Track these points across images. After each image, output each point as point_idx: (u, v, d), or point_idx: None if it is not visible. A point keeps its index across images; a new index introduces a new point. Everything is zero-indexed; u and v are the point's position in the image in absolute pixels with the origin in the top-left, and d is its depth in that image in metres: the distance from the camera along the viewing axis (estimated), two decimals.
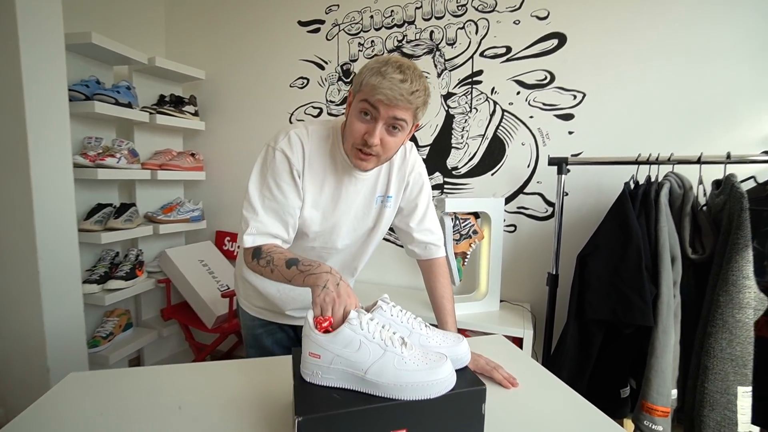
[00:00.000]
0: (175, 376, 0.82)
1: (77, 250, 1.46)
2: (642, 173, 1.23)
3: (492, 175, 1.66)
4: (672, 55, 1.36)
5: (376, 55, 1.81)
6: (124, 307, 1.87)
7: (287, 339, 1.06)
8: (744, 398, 1.01)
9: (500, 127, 1.63)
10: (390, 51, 1.78)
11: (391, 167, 0.92)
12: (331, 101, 1.92)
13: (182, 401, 0.72)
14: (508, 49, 1.58)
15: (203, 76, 2.13)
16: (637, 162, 1.21)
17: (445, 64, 1.69)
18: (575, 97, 1.50)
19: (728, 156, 1.11)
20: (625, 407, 1.20)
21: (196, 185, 2.24)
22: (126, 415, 0.68)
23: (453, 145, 1.71)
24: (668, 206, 1.10)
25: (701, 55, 1.33)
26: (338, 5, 1.85)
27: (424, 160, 1.18)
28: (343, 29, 1.86)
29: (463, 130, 1.69)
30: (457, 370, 0.62)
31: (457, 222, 1.53)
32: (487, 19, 1.61)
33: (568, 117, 1.52)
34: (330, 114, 1.93)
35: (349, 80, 1.87)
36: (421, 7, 1.71)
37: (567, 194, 1.36)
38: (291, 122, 2.01)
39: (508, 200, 1.63)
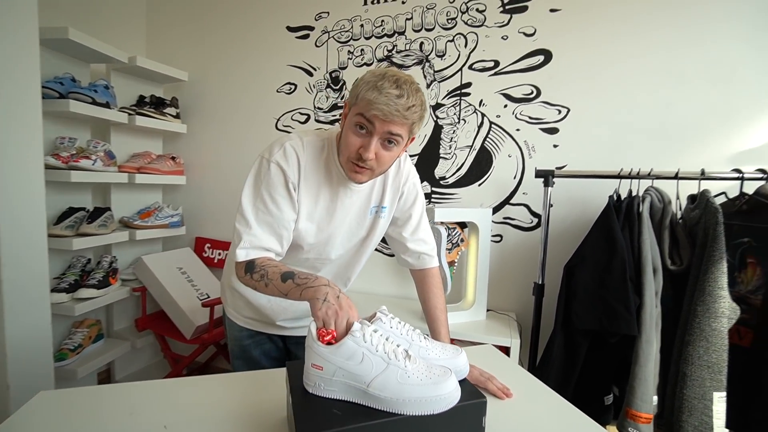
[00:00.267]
0: (156, 392, 0.77)
1: (46, 256, 1.37)
2: (623, 187, 1.28)
3: (479, 185, 1.69)
4: (650, 75, 1.44)
5: (366, 63, 1.82)
6: (95, 317, 1.77)
7: (276, 350, 1.03)
8: (719, 403, 1.06)
9: (488, 139, 1.66)
10: (380, 60, 1.79)
11: (386, 178, 0.91)
12: (319, 108, 1.91)
13: (167, 421, 0.68)
14: (496, 63, 1.62)
15: (186, 78, 2.08)
16: (619, 176, 1.25)
17: (434, 75, 1.72)
18: (560, 111, 1.55)
19: (702, 172, 1.18)
20: (608, 414, 1.23)
21: (176, 190, 2.16)
22: None
23: (441, 155, 1.73)
24: (650, 219, 1.15)
25: (677, 76, 1.41)
26: (328, 13, 1.85)
27: None
28: (332, 36, 1.85)
29: (451, 141, 1.71)
30: None
31: (449, 231, 1.54)
32: (476, 33, 1.65)
33: (553, 131, 1.57)
34: (318, 121, 1.92)
35: (338, 87, 1.87)
36: (412, 18, 1.73)
37: (552, 206, 1.40)
38: (277, 127, 1.98)
39: (494, 210, 1.66)
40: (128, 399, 0.75)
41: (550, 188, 1.36)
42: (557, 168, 1.54)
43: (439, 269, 1.01)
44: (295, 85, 1.93)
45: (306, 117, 1.93)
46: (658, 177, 1.22)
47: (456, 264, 1.57)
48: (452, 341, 0.90)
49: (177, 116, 2.03)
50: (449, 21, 1.68)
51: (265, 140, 1.99)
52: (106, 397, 0.76)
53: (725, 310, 1.05)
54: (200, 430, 0.66)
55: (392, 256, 1.81)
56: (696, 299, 1.07)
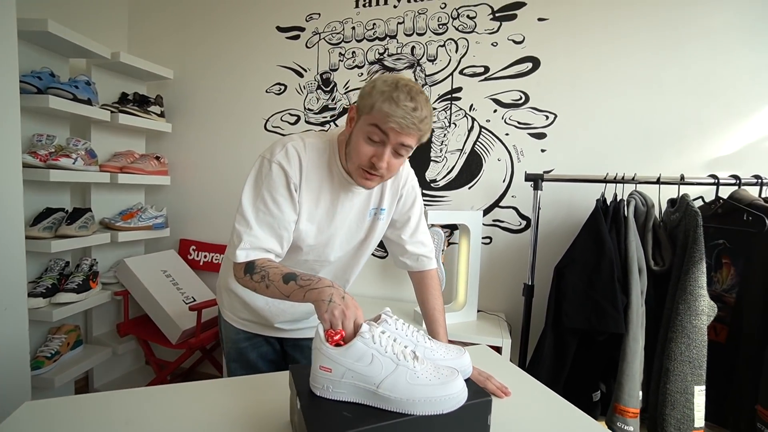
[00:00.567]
0: (152, 400, 0.74)
1: (23, 259, 1.30)
2: (608, 190, 1.33)
3: (469, 188, 1.72)
4: (633, 85, 1.51)
5: (357, 66, 1.82)
6: (73, 322, 1.69)
7: (273, 352, 1.02)
8: (699, 396, 1.11)
9: (478, 143, 1.69)
10: (371, 63, 1.80)
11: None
12: (309, 109, 1.90)
13: (166, 430, 0.65)
14: (486, 69, 1.66)
15: (171, 76, 2.02)
16: (605, 180, 1.31)
17: (425, 79, 1.74)
18: (547, 117, 1.60)
19: (682, 177, 1.24)
20: (596, 410, 1.27)
21: (160, 190, 2.10)
22: None
23: (432, 158, 1.75)
24: (635, 222, 1.20)
25: (657, 85, 1.48)
26: (319, 14, 1.85)
27: None
28: (323, 38, 1.85)
29: (442, 144, 1.73)
30: None
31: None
32: (466, 39, 1.68)
33: (540, 136, 1.62)
34: (308, 122, 1.90)
35: (328, 89, 1.86)
36: (403, 22, 1.75)
37: (540, 208, 1.44)
38: (266, 128, 1.96)
39: (484, 213, 1.69)
40: (123, 408, 0.71)
41: (539, 191, 1.40)
42: (545, 172, 1.59)
43: (437, 271, 1.03)
44: (285, 86, 1.92)
45: (296, 118, 1.92)
46: (642, 182, 1.28)
47: (444, 264, 1.59)
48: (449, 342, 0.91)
49: (162, 115, 1.98)
50: (440, 26, 1.71)
51: (253, 141, 1.96)
52: (98, 407, 0.72)
53: (705, 308, 1.11)
54: None
55: (382, 258, 1.81)
56: (678, 298, 1.13)
